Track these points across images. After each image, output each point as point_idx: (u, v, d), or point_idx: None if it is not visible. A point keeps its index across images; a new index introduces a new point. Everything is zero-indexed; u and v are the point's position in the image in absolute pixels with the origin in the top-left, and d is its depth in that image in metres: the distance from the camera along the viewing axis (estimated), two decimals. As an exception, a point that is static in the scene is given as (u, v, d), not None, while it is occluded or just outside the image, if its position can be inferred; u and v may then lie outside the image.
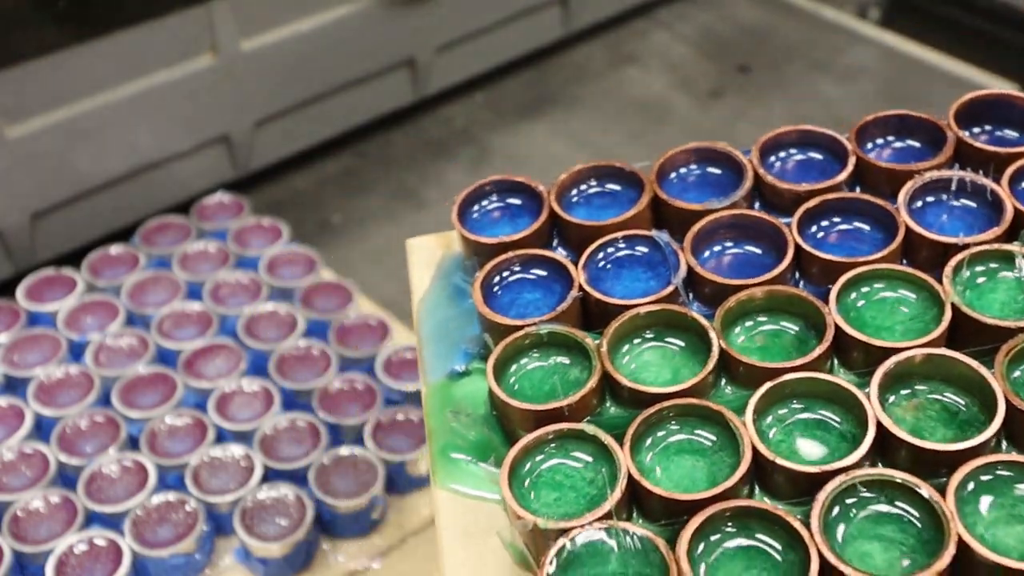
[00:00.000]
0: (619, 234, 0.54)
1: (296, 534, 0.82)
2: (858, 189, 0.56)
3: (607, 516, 0.43)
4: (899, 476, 0.42)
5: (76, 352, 0.96)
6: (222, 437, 0.89)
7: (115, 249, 1.07)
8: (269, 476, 0.86)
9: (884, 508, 0.42)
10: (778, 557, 0.41)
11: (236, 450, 0.87)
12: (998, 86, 1.45)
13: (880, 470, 0.42)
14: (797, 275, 0.53)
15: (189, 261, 1.06)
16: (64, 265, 1.06)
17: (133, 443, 0.88)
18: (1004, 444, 0.45)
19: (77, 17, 1.07)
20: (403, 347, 0.97)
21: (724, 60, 1.55)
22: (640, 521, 0.44)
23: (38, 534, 0.81)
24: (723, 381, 0.48)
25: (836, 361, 0.49)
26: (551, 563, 0.41)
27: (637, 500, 0.45)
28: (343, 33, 1.26)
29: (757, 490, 0.45)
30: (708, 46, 1.58)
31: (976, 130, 0.58)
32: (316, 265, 1.06)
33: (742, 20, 1.63)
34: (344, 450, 0.88)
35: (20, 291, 1.01)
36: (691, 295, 0.52)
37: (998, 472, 0.42)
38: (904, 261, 0.52)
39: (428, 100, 1.42)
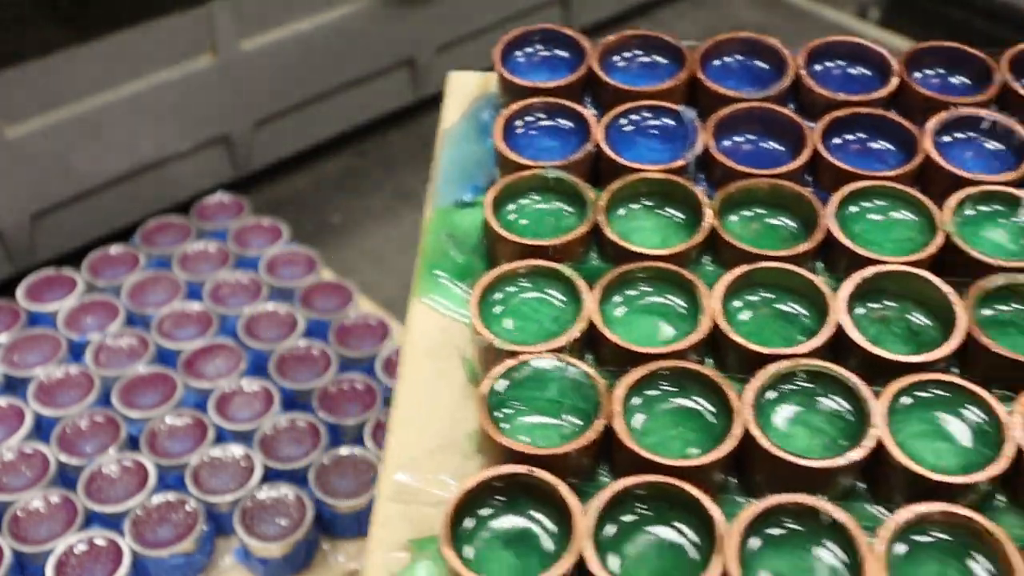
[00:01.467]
0: (646, 102, 0.55)
1: (296, 534, 0.82)
2: (894, 112, 0.56)
3: (560, 350, 0.44)
4: (837, 371, 0.43)
5: (76, 352, 0.96)
6: (222, 437, 0.89)
7: (115, 249, 1.07)
8: (269, 476, 0.86)
9: (820, 399, 0.43)
10: (708, 419, 0.43)
11: (236, 450, 0.87)
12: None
13: (821, 362, 0.43)
14: (812, 180, 0.53)
15: (189, 261, 1.06)
16: (64, 265, 1.06)
17: (133, 443, 0.88)
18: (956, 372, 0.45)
19: (77, 17, 1.07)
20: (403, 347, 0.97)
21: (724, 60, 1.55)
22: (592, 364, 0.46)
23: (38, 534, 0.81)
24: (708, 258, 0.50)
25: (824, 265, 0.50)
26: (495, 379, 0.43)
27: (593, 346, 0.46)
28: (343, 33, 1.26)
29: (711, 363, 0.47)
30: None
31: None
32: (316, 265, 1.06)
33: (742, 20, 1.63)
34: (344, 450, 0.88)
35: (20, 291, 1.01)
36: (704, 176, 0.53)
37: (933, 390, 0.43)
38: (919, 189, 0.52)
39: (428, 100, 1.42)
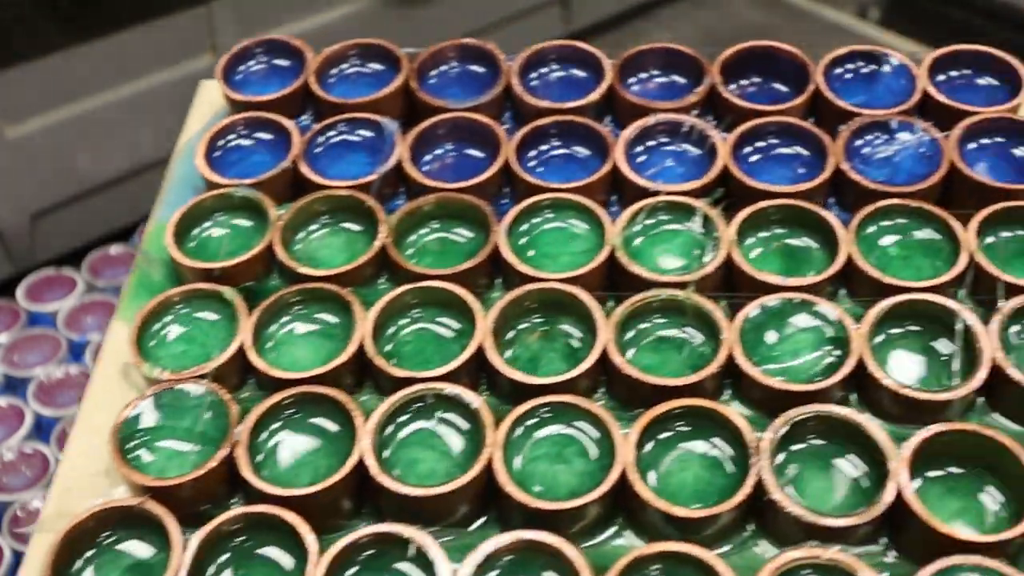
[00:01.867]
0: (349, 115, 0.53)
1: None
2: (608, 118, 0.55)
3: (204, 376, 0.44)
4: (461, 394, 0.42)
5: (76, 352, 0.96)
6: (222, 437, 0.89)
7: (115, 249, 1.07)
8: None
9: (446, 423, 0.42)
10: (339, 445, 0.42)
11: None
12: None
13: (449, 386, 0.42)
14: (510, 191, 0.52)
15: (189, 261, 1.06)
16: (64, 265, 1.06)
17: (133, 443, 0.88)
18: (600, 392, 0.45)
19: (77, 17, 1.07)
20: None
21: (724, 60, 1.55)
22: (247, 390, 0.45)
23: (38, 534, 0.81)
24: (385, 276, 0.49)
25: (502, 282, 0.49)
26: (132, 407, 0.43)
27: (249, 368, 0.45)
28: (343, 33, 1.26)
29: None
30: (708, 47, 1.58)
31: (745, 81, 0.55)
32: (316, 265, 1.06)
33: (742, 20, 1.63)
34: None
35: (20, 291, 1.01)
36: (405, 190, 0.52)
37: (543, 414, 0.42)
38: (618, 199, 0.51)
39: (428, 100, 1.42)
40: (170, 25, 1.12)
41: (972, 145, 0.51)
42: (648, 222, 0.48)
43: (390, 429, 0.42)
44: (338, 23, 1.25)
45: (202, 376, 0.44)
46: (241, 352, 0.45)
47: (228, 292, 0.47)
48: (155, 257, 0.51)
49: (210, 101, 0.59)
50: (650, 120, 0.52)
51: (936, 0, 1.59)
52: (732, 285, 0.47)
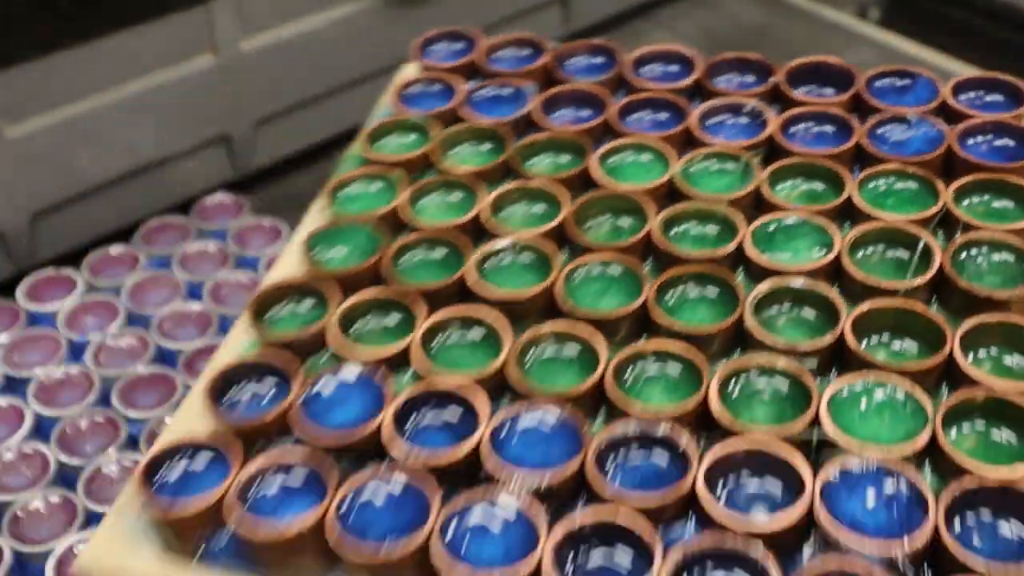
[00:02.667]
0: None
1: (296, 534, 0.82)
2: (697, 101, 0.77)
3: None
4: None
5: (76, 352, 0.96)
6: (222, 437, 0.89)
7: (115, 249, 1.07)
8: (269, 476, 0.86)
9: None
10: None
11: (236, 450, 0.87)
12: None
13: None
14: None
15: (189, 261, 1.06)
16: (64, 265, 1.06)
17: (133, 443, 0.88)
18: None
19: (77, 17, 1.07)
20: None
21: (724, 60, 1.54)
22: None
23: (38, 534, 0.81)
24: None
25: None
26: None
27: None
28: (343, 33, 1.26)
29: None
30: (708, 46, 1.58)
31: (804, 88, 0.76)
32: (316, 265, 1.06)
33: (742, 20, 1.63)
34: (344, 450, 0.88)
35: (20, 291, 1.01)
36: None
37: None
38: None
39: (428, 100, 1.41)
40: (170, 25, 1.12)
41: (971, 140, 0.70)
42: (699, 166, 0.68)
43: None
44: (338, 23, 1.25)
45: None
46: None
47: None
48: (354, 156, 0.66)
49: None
50: (718, 101, 0.74)
51: (936, 0, 1.59)
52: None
